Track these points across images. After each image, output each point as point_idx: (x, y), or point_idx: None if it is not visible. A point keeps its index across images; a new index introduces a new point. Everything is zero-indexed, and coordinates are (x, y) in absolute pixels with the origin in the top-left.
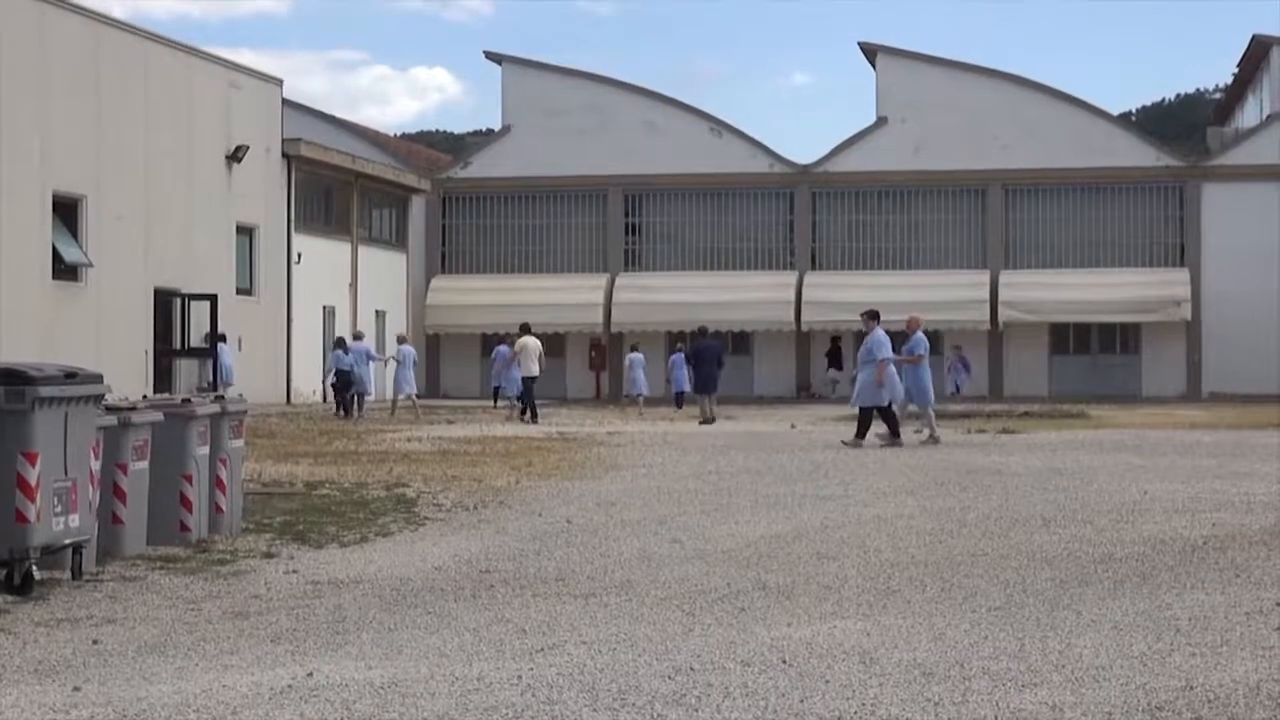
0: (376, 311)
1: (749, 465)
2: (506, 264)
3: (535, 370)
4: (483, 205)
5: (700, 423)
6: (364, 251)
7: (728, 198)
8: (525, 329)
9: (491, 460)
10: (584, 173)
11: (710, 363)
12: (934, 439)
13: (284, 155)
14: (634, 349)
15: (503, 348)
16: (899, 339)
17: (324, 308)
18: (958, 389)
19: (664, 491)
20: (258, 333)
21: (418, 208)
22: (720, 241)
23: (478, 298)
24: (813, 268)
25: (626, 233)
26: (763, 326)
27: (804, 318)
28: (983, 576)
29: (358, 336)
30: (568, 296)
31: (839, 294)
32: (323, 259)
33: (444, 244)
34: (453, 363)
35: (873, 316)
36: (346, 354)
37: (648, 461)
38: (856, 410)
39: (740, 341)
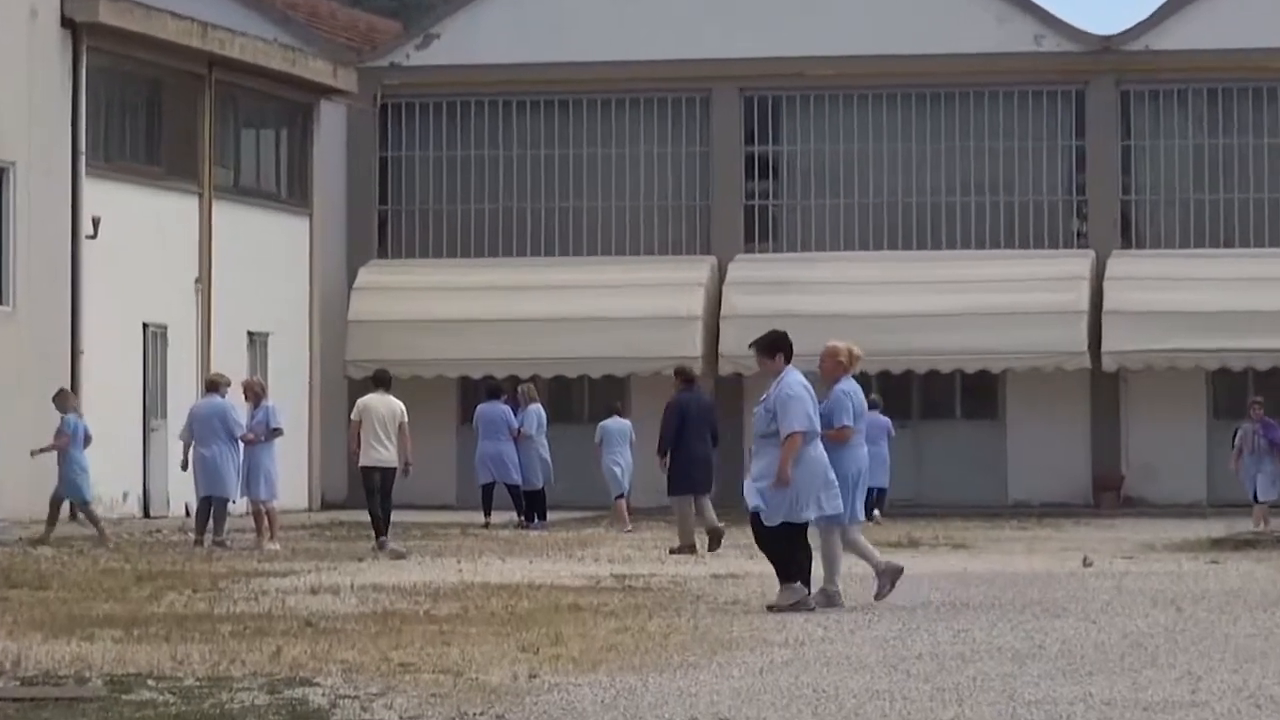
0: (250, 335)
1: (995, 640)
2: (507, 240)
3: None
4: (458, 122)
5: (675, 551)
6: (226, 215)
7: (947, 105)
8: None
9: (479, 631)
10: (659, 56)
11: (699, 433)
12: (880, 590)
13: (65, 23)
14: (611, 412)
15: (489, 408)
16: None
17: (147, 327)
18: (1256, 487)
19: (845, 705)
20: (13, 376)
21: (332, 127)
22: (932, 191)
23: (450, 305)
24: (1125, 243)
25: (748, 175)
26: (1028, 359)
27: (1107, 344)
28: None
29: (215, 385)
30: (628, 304)
31: (1181, 295)
32: (144, 229)
33: (384, 198)
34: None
35: (773, 350)
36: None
37: (791, 630)
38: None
39: (978, 387)
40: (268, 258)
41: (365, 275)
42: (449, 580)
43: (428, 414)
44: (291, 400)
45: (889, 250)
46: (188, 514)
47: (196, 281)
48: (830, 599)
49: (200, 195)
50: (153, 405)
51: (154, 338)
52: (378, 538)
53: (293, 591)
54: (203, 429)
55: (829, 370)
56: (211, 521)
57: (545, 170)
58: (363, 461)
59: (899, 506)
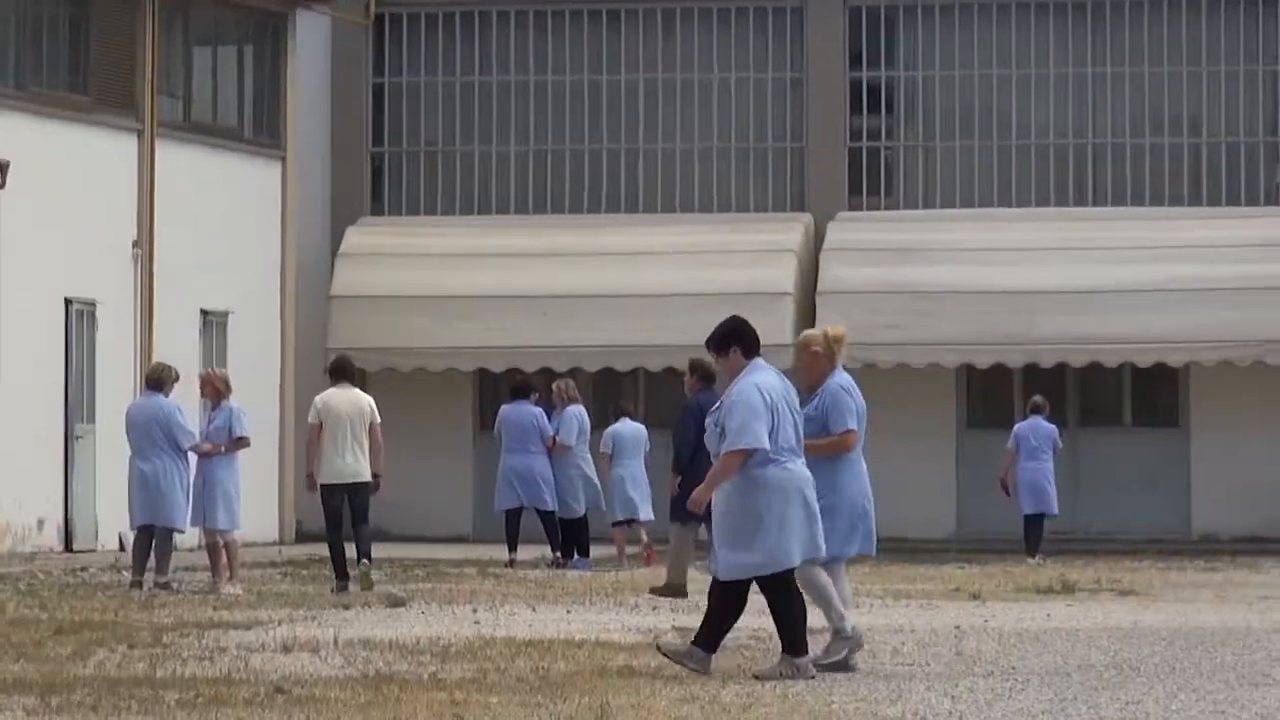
0: (205, 315)
1: (1174, 715)
2: (539, 193)
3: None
4: (475, 38)
5: (658, 591)
6: (173, 158)
7: (1115, 18)
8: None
9: (502, 701)
10: None
11: (688, 437)
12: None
13: None
14: (619, 414)
15: (516, 411)
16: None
17: (71, 304)
18: None
19: None
20: None
21: (313, 44)
22: (1095, 131)
23: (464, 277)
24: None
25: (854, 108)
26: (1218, 350)
27: None
28: None
29: (157, 380)
30: (696, 277)
31: None
32: (67, 177)
33: (378, 137)
34: (403, 443)
35: (725, 343)
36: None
37: (910, 700)
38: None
39: (1153, 384)
40: (228, 214)
41: (354, 237)
42: (462, 634)
43: (435, 419)
44: (259, 399)
45: (1037, 207)
46: (122, 548)
47: (135, 245)
48: (851, 640)
49: (140, 133)
50: (77, 406)
51: (80, 318)
52: (337, 578)
53: (259, 648)
54: (141, 437)
55: (810, 366)
56: (153, 557)
57: (588, 102)
58: (324, 478)
59: (1048, 539)
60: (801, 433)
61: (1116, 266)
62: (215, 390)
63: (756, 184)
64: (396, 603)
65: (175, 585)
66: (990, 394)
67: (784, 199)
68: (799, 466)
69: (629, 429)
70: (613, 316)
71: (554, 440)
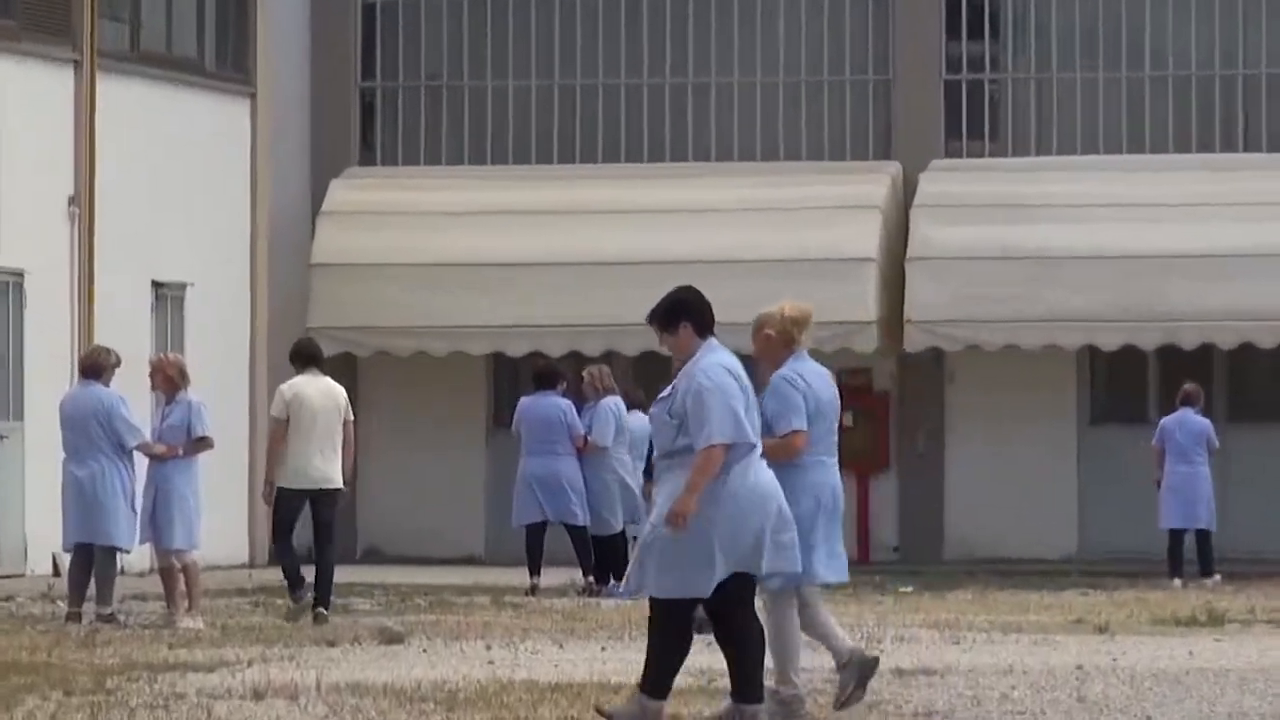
0: (158, 287)
1: None
2: (566, 138)
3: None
4: None
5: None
6: (119, 96)
7: None
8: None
9: None
10: None
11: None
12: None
13: None
14: (632, 404)
15: (539, 404)
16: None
17: None
18: None
19: None
20: None
21: None
22: (1247, 61)
23: (474, 240)
24: None
25: (951, 32)
26: None
27: None
28: None
29: (94, 367)
30: (759, 239)
31: None
32: None
33: (368, 69)
34: (400, 443)
35: (672, 318)
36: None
37: None
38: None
39: None
40: (186, 165)
41: (340, 192)
42: (473, 677)
43: (440, 413)
44: (224, 391)
45: (1176, 154)
46: (57, 572)
47: (71, 202)
48: (788, 706)
49: (78, 65)
50: (1, 400)
51: (3, 291)
52: (292, 588)
53: (224, 695)
54: (76, 436)
55: (764, 350)
56: (94, 584)
57: (626, 26)
58: (287, 480)
59: (1190, 560)
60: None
61: (1274, 225)
62: (169, 380)
63: (832, 126)
64: (392, 638)
65: (122, 618)
66: (1119, 382)
67: (865, 144)
68: (764, 470)
69: (636, 423)
70: (657, 288)
71: (585, 439)
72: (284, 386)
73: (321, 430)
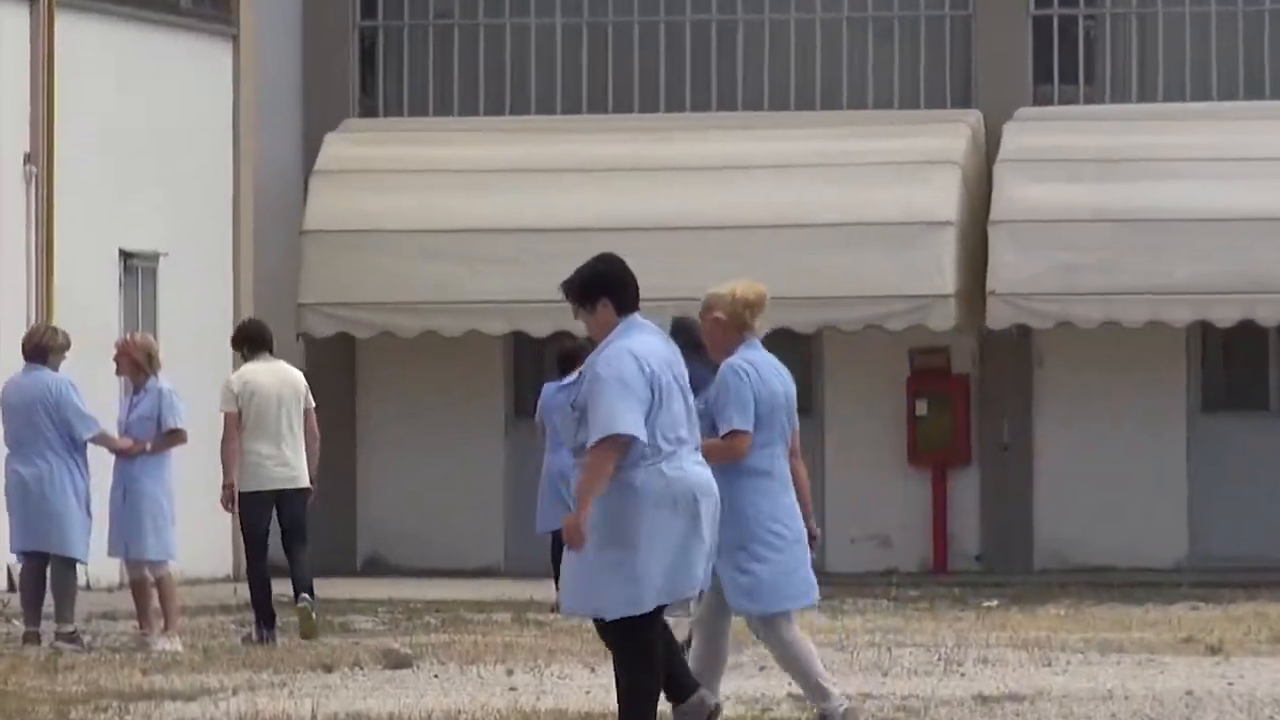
0: (126, 256)
1: None
2: (596, 84)
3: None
4: None
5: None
6: (81, 38)
7: None
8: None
9: None
10: None
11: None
12: None
13: None
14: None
15: (564, 392)
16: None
17: None
18: None
19: None
20: None
21: None
22: None
23: (489, 202)
24: None
25: None
26: None
27: None
28: None
29: (37, 349)
30: (821, 199)
31: None
32: None
33: (369, 6)
34: (406, 437)
35: (589, 293)
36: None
37: None
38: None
39: None
40: (159, 117)
41: (336, 147)
42: (493, 705)
43: (451, 403)
44: (201, 377)
45: None
46: (12, 587)
47: (28, 160)
48: (845, 718)
49: (33, 3)
50: None
51: None
52: (259, 624)
53: None
54: (21, 428)
55: (713, 336)
56: (51, 600)
57: None
58: (246, 483)
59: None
60: (695, 418)
61: None
62: (136, 365)
63: (904, 70)
64: (399, 662)
65: (87, 638)
66: (1235, 363)
67: (942, 90)
68: (692, 466)
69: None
70: (700, 256)
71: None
72: (232, 377)
73: (281, 423)
